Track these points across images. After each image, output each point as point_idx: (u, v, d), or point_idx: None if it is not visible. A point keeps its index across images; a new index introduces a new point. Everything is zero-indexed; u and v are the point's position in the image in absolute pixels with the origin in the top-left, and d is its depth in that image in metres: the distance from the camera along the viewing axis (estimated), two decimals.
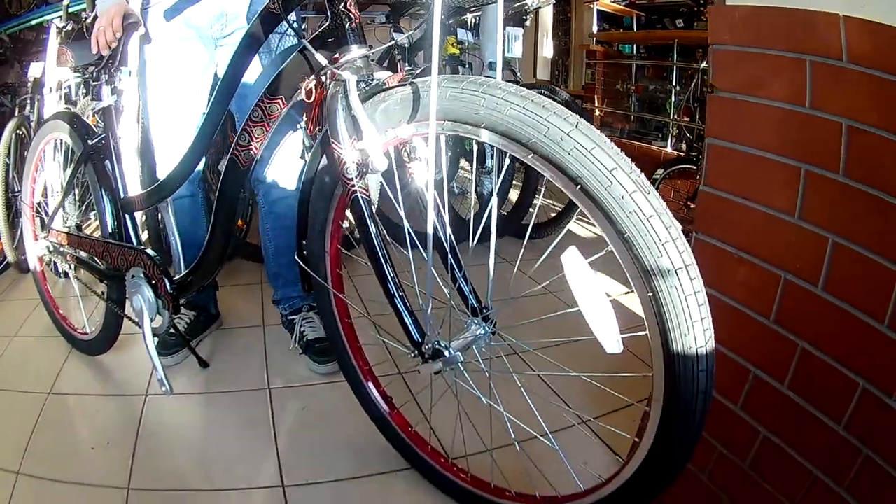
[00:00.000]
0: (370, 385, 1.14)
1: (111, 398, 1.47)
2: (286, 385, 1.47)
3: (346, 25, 0.85)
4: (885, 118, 0.68)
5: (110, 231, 1.39)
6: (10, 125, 2.19)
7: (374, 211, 0.85)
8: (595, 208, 0.63)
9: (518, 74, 2.48)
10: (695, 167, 2.39)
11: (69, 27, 2.16)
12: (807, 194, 0.77)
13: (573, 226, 2.39)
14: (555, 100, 2.31)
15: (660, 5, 3.54)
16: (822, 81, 0.74)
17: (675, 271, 0.61)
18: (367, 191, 0.84)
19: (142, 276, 1.29)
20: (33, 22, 2.63)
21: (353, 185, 0.82)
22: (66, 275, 1.96)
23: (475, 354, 0.86)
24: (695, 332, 0.63)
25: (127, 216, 1.36)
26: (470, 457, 1.10)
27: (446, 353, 0.80)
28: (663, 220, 0.61)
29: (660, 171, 2.45)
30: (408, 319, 0.83)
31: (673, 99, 2.90)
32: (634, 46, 3.62)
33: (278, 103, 0.97)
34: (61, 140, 1.61)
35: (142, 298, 1.28)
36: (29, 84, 2.30)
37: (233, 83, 1.07)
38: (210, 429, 1.33)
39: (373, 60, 0.87)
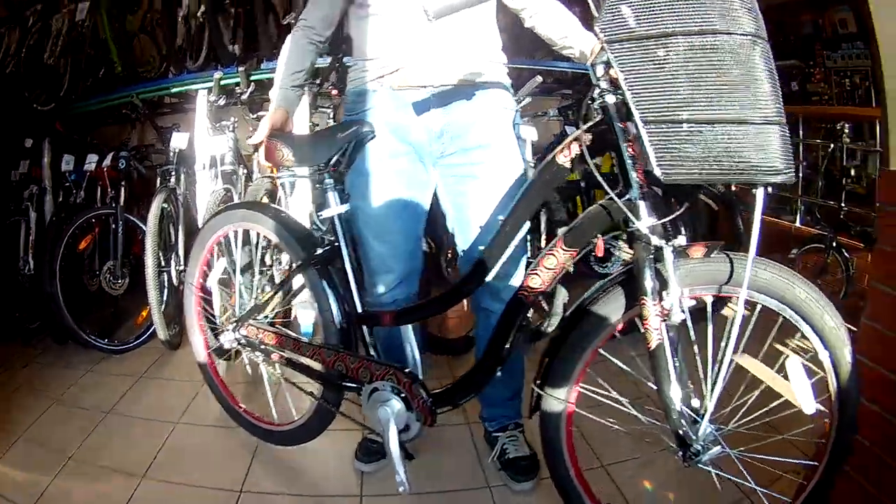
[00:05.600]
0: None
1: (321, 499, 1.45)
2: (504, 483, 1.43)
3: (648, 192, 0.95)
4: None
5: (337, 340, 1.37)
6: (158, 198, 2.15)
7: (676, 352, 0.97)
8: (815, 335, 0.97)
9: None
10: (823, 247, 2.62)
11: (221, 102, 2.14)
12: None
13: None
14: None
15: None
16: None
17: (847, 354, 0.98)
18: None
19: (388, 388, 1.26)
20: (174, 90, 2.58)
21: (658, 332, 0.95)
22: (229, 359, 1.93)
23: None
24: (851, 381, 0.98)
25: (365, 328, 1.33)
26: None
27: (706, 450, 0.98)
28: (848, 340, 0.97)
29: (794, 250, 2.71)
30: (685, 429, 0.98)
31: (800, 174, 2.91)
32: None
33: (572, 255, 1.03)
34: (258, 233, 1.60)
35: (390, 410, 1.24)
36: (172, 155, 2.28)
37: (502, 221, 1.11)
38: None
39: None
